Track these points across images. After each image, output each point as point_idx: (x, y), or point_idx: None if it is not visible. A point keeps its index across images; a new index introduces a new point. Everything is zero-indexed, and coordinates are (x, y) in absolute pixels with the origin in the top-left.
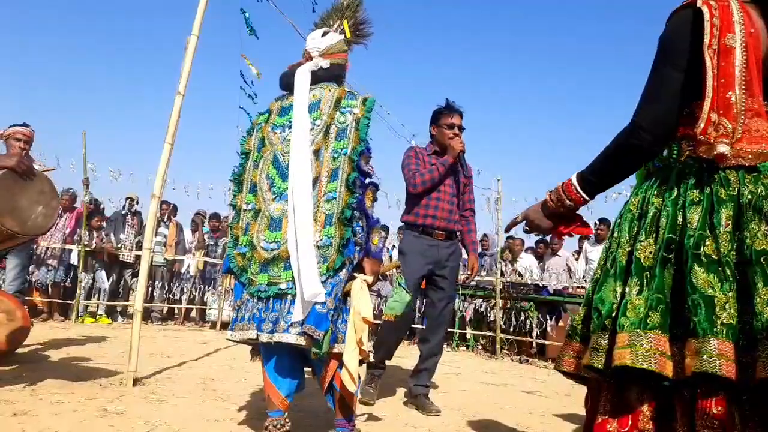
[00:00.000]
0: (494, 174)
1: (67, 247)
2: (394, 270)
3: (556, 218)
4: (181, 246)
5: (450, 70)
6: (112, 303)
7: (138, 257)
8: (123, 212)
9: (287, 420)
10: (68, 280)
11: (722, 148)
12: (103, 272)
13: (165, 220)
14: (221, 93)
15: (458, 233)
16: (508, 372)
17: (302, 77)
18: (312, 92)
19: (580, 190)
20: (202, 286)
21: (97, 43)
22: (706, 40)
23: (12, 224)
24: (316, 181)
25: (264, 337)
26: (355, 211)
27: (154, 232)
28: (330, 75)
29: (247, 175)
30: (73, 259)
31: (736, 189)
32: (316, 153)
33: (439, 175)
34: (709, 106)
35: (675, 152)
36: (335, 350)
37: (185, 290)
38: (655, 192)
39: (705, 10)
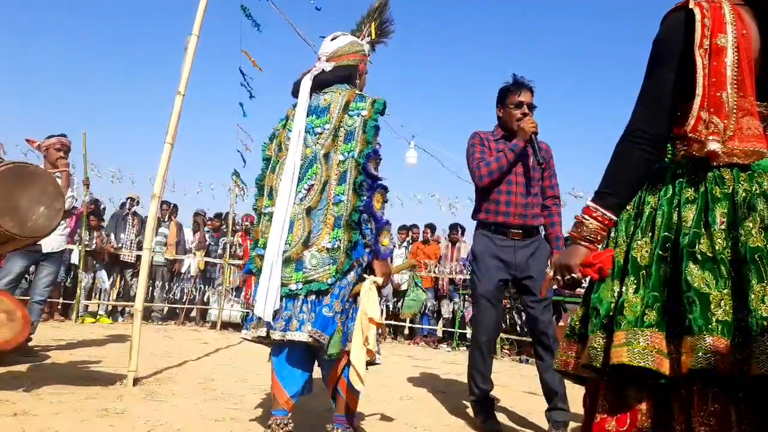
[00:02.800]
0: None
1: (68, 247)
2: (410, 270)
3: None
4: (182, 246)
5: (450, 70)
6: (113, 303)
7: (139, 257)
8: (124, 212)
9: (290, 420)
10: (68, 280)
11: (713, 146)
12: (104, 272)
13: (166, 220)
14: (222, 93)
15: (540, 228)
16: (509, 372)
17: (304, 84)
18: (323, 96)
19: (600, 208)
20: (202, 286)
21: (97, 43)
22: (697, 40)
23: (10, 225)
24: (326, 184)
25: (276, 335)
26: (364, 214)
27: (155, 232)
28: (337, 77)
29: (267, 180)
30: (74, 259)
31: (731, 187)
32: (326, 156)
33: (508, 163)
34: (699, 105)
35: (670, 152)
36: (347, 348)
37: (186, 290)
38: (651, 191)
39: (696, 11)
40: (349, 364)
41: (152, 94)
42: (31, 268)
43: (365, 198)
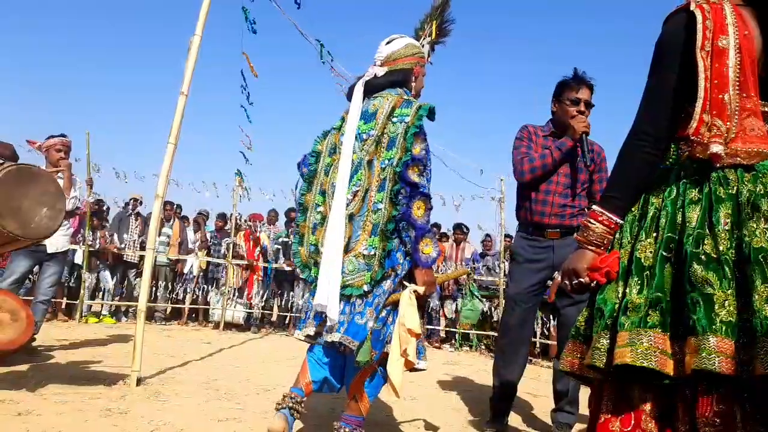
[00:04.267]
0: (498, 174)
1: (72, 247)
2: (466, 277)
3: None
4: (184, 246)
5: (453, 70)
6: (116, 303)
7: (141, 257)
8: (127, 212)
9: (303, 401)
10: (72, 280)
11: (716, 148)
12: (107, 272)
13: (170, 220)
14: (225, 94)
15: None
16: None
17: (357, 89)
18: (372, 102)
19: (605, 211)
20: (205, 286)
21: (100, 44)
22: (699, 43)
23: (14, 227)
24: (367, 191)
25: (327, 337)
26: (403, 222)
27: (158, 232)
28: (390, 82)
29: (318, 177)
30: (77, 259)
31: (735, 187)
32: (370, 163)
33: (553, 161)
34: (701, 107)
35: (675, 154)
36: (381, 354)
37: (188, 290)
38: (655, 192)
39: (698, 13)
40: (378, 373)
41: (155, 94)
42: (35, 268)
43: (402, 207)
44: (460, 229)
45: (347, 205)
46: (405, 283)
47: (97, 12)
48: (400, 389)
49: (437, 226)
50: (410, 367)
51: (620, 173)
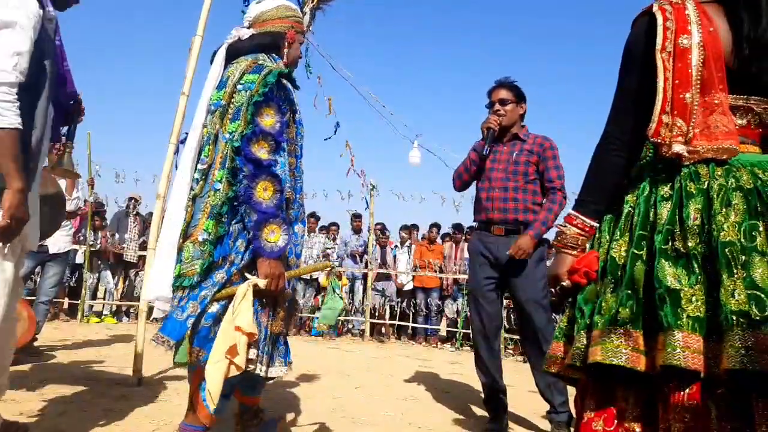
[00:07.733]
0: None
1: (73, 247)
2: (325, 272)
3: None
4: None
5: (455, 70)
6: (117, 303)
7: (140, 257)
8: (125, 212)
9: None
10: (73, 280)
11: (677, 148)
12: (109, 272)
13: None
14: None
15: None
16: (512, 371)
17: (219, 54)
18: (230, 68)
19: (579, 215)
20: None
21: (102, 44)
22: (659, 44)
23: None
24: (210, 169)
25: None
26: (243, 205)
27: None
28: (256, 45)
29: None
30: (79, 259)
31: (706, 182)
32: (216, 138)
33: (471, 162)
34: (660, 109)
35: (650, 152)
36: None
37: None
38: (631, 190)
39: (659, 15)
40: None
41: (157, 95)
42: (37, 269)
43: (240, 187)
44: (460, 230)
45: (195, 184)
46: (247, 275)
47: (98, 12)
48: (216, 396)
49: (437, 225)
50: (238, 370)
51: (593, 177)
